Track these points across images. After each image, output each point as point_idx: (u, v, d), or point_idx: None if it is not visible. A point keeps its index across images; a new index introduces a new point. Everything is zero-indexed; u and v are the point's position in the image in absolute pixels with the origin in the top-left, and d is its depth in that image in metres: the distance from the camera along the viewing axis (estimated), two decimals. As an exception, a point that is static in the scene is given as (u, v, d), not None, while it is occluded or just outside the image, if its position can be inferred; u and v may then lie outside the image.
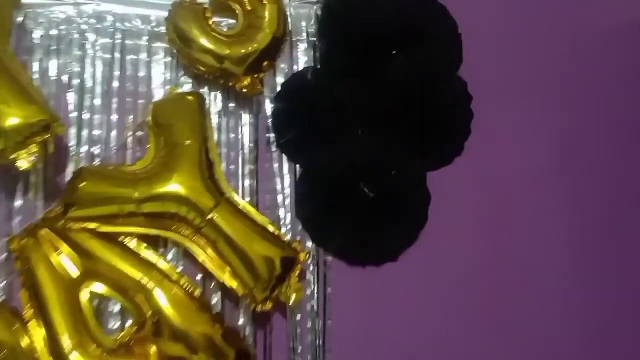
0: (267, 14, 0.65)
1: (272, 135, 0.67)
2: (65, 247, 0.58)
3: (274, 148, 0.67)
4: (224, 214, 0.58)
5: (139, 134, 0.64)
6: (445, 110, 0.71)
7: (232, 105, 0.67)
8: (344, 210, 0.67)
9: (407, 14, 0.70)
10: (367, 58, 0.69)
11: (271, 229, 0.61)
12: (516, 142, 0.73)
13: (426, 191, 0.70)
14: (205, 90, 0.66)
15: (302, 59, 0.69)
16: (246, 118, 0.67)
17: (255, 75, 0.65)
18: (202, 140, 0.61)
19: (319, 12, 0.70)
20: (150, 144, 0.62)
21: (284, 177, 0.67)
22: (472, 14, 0.70)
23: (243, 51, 0.63)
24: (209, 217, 0.58)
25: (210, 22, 0.64)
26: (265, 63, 0.65)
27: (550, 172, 0.73)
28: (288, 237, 0.63)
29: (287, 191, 0.67)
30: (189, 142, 0.60)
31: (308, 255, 0.62)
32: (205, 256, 0.59)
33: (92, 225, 0.58)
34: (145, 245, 0.60)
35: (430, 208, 0.69)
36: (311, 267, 0.64)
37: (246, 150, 0.66)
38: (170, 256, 0.62)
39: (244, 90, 0.64)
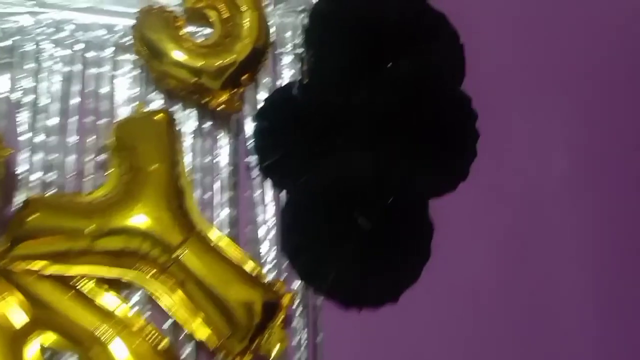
0: (246, 21, 0.57)
1: (253, 158, 0.59)
2: (9, 291, 0.49)
3: (255, 172, 0.59)
4: (194, 250, 0.50)
5: (100, 158, 0.56)
6: (447, 130, 0.63)
7: (207, 124, 0.59)
8: (337, 243, 0.58)
9: (406, 20, 0.63)
10: (361, 69, 0.62)
11: (250, 267, 0.52)
12: (532, 157, 0.64)
13: (429, 220, 0.62)
14: (177, 108, 0.58)
15: (287, 73, 0.62)
16: (224, 139, 0.59)
17: (234, 90, 0.57)
18: (171, 165, 0.53)
19: (306, 21, 0.62)
20: (111, 169, 0.54)
21: (268, 205, 0.59)
22: (476, 14, 0.63)
23: (219, 63, 0.55)
24: (176, 254, 0.50)
25: (182, 32, 0.57)
26: (245, 76, 0.57)
27: (571, 189, 0.64)
28: (271, 277, 0.55)
29: (271, 222, 0.58)
30: (155, 166, 0.52)
31: (293, 298, 0.54)
32: (171, 301, 0.50)
33: (40, 265, 0.49)
34: (106, 286, 0.51)
35: (434, 237, 0.61)
36: (298, 312, 0.56)
37: (224, 176, 0.58)
38: (135, 299, 0.53)
39: (221, 107, 0.57)
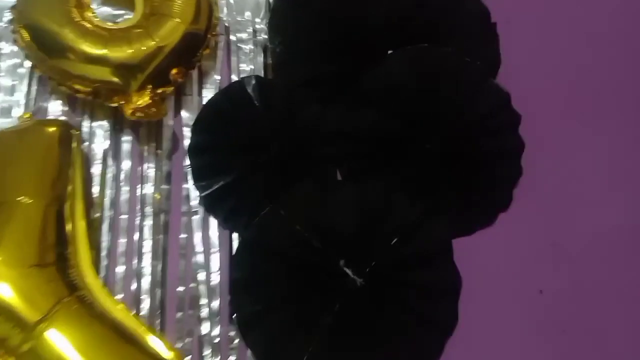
0: (178, -6, 0.41)
1: (189, 186, 0.42)
2: None
3: (193, 205, 0.42)
4: (61, 325, 0.33)
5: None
6: (473, 146, 0.44)
7: (125, 139, 0.43)
8: (309, 315, 0.40)
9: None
10: (348, 62, 0.44)
11: (149, 341, 0.35)
12: (593, 192, 0.46)
13: (454, 273, 0.43)
14: (80, 117, 0.42)
15: (246, 68, 0.45)
16: (149, 160, 0.42)
17: (159, 91, 0.41)
18: (52, 200, 0.36)
19: (273, -2, 0.46)
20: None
21: (211, 255, 0.41)
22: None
23: (132, 52, 0.39)
24: (36, 331, 0.33)
25: (88, 12, 0.41)
26: (174, 71, 0.40)
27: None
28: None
29: (214, 279, 0.41)
30: (27, 200, 0.36)
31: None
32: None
33: None
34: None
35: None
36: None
37: (147, 212, 0.41)
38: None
39: (139, 115, 0.40)
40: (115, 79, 0.39)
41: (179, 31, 0.40)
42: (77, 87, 0.39)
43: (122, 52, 0.39)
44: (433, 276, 0.42)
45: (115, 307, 0.35)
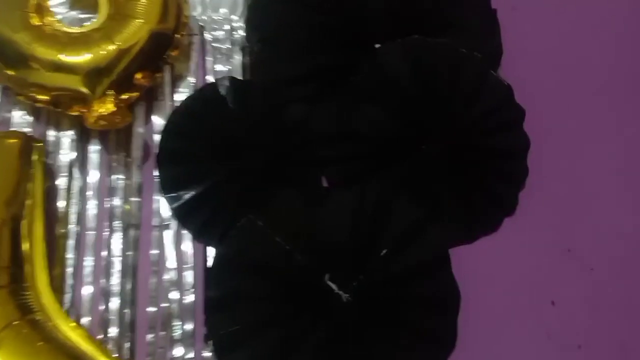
0: (142, -8, 0.38)
1: (161, 198, 0.39)
2: None
3: (166, 218, 0.39)
4: (12, 346, 0.30)
5: None
6: (473, 145, 0.40)
7: (93, 149, 0.40)
8: (298, 331, 0.37)
9: None
10: (338, 57, 0.41)
11: None
12: (611, 192, 0.42)
13: (451, 284, 0.39)
14: (43, 128, 0.39)
15: (223, 68, 0.42)
16: (118, 170, 0.39)
17: (123, 97, 0.38)
18: (9, 217, 0.34)
19: (252, -8, 0.43)
20: None
21: (184, 272, 0.38)
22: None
23: (90, 56, 0.36)
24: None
25: (48, 15, 0.38)
26: (139, 75, 0.38)
27: None
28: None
29: (188, 297, 0.38)
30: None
31: None
32: None
33: None
34: None
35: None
36: None
37: (116, 227, 0.39)
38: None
39: (102, 124, 0.37)
40: (74, 86, 0.36)
41: (143, 32, 0.37)
42: (36, 96, 0.37)
43: (80, 57, 0.36)
44: (427, 289, 0.39)
45: (72, 331, 0.33)
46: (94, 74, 0.36)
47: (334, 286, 0.38)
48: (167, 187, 0.38)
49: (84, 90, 0.37)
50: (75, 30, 0.38)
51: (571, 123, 0.43)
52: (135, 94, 0.38)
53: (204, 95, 0.39)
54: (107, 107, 0.37)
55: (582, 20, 0.45)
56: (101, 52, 0.36)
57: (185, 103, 0.39)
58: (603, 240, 0.41)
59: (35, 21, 0.37)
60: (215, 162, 0.39)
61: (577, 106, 0.43)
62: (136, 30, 0.37)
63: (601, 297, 0.40)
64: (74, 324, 0.34)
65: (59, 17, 0.41)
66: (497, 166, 0.41)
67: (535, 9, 0.44)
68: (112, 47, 0.37)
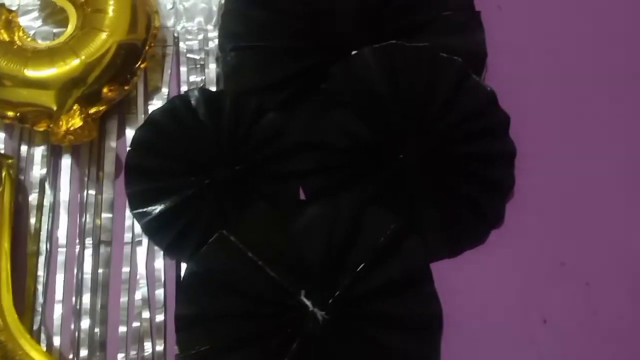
0: (109, 4, 0.37)
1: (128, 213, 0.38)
2: None
3: (138, 234, 0.38)
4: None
5: None
6: (455, 153, 0.39)
7: (64, 164, 0.39)
8: (273, 349, 0.35)
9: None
10: (312, 63, 0.39)
11: None
12: (608, 202, 0.39)
13: (433, 301, 0.37)
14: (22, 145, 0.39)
15: (197, 79, 0.41)
16: (90, 186, 0.38)
17: (91, 111, 0.37)
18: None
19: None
20: None
21: (156, 290, 0.37)
22: None
23: (54, 70, 0.36)
24: None
25: (18, 32, 0.38)
26: (106, 89, 0.37)
27: None
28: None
29: (160, 316, 0.37)
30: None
31: None
32: None
33: None
34: None
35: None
36: None
37: (87, 244, 0.37)
38: None
39: (69, 138, 0.36)
40: (39, 101, 0.36)
41: (109, 46, 0.36)
42: (1, 112, 0.37)
43: (45, 72, 0.35)
44: (407, 306, 0.37)
45: (36, 351, 0.32)
46: (59, 89, 0.36)
47: (309, 303, 0.36)
48: (136, 203, 0.37)
49: (50, 105, 0.36)
50: (43, 45, 0.38)
51: (562, 128, 0.40)
52: (103, 107, 0.37)
53: (173, 107, 0.38)
54: (74, 121, 0.36)
55: (571, 20, 0.42)
56: (65, 67, 0.36)
57: (152, 117, 0.38)
58: (599, 252, 0.39)
59: (5, 36, 0.37)
60: (185, 176, 0.38)
61: (568, 110, 0.41)
62: (102, 44, 0.36)
63: (597, 315, 0.38)
64: (38, 346, 0.33)
65: (32, 32, 0.41)
66: (481, 174, 0.39)
67: (521, 8, 0.42)
68: (76, 62, 0.36)
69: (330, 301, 0.36)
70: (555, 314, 0.38)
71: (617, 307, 0.38)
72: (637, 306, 0.38)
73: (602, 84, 0.41)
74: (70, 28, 0.38)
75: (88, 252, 0.38)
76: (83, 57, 0.36)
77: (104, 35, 0.37)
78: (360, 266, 0.36)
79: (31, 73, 0.36)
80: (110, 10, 0.37)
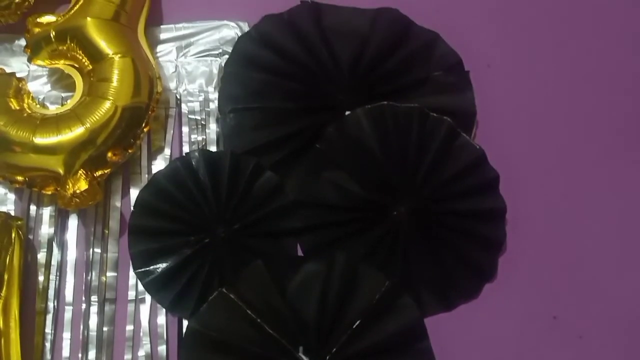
0: (114, 73, 0.39)
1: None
2: None
3: (141, 292, 0.39)
4: None
5: None
6: (446, 210, 0.40)
7: (71, 223, 0.40)
8: None
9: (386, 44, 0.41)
10: (308, 123, 0.41)
11: None
12: (602, 257, 0.40)
13: (429, 357, 0.37)
14: (31, 205, 0.40)
15: (199, 138, 0.42)
16: (96, 245, 0.40)
17: (96, 174, 0.39)
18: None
19: (224, 63, 0.43)
20: None
21: (158, 345, 0.39)
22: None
23: (59, 137, 0.38)
24: None
25: (27, 100, 0.40)
26: (110, 154, 0.39)
27: None
28: None
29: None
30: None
31: None
32: None
33: None
34: None
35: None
36: None
37: (93, 301, 0.39)
38: None
39: (75, 202, 0.38)
40: (46, 166, 0.38)
41: (113, 113, 0.38)
42: (11, 177, 0.39)
43: (51, 139, 0.37)
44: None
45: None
46: (67, 153, 0.38)
47: (306, 360, 0.37)
48: (138, 262, 0.39)
49: (58, 169, 0.38)
50: (50, 112, 0.40)
51: (552, 183, 0.41)
52: (108, 170, 0.39)
53: (175, 168, 0.40)
54: (80, 184, 0.38)
55: (560, 78, 0.43)
56: (70, 135, 0.38)
57: (154, 179, 0.40)
58: (591, 306, 0.39)
59: (15, 105, 0.39)
60: (186, 236, 0.39)
61: (558, 165, 0.42)
62: (106, 112, 0.38)
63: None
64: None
65: (42, 96, 0.43)
66: (472, 230, 0.40)
67: (510, 64, 0.43)
68: (80, 129, 0.38)
69: (328, 358, 0.37)
70: (549, 368, 0.39)
71: (610, 359, 0.39)
72: (630, 358, 0.39)
73: (592, 141, 0.42)
74: (77, 94, 0.40)
75: (94, 310, 0.39)
76: (88, 125, 0.38)
77: (108, 104, 0.38)
78: (356, 323, 0.38)
79: (39, 140, 0.37)
80: (115, 79, 0.39)
